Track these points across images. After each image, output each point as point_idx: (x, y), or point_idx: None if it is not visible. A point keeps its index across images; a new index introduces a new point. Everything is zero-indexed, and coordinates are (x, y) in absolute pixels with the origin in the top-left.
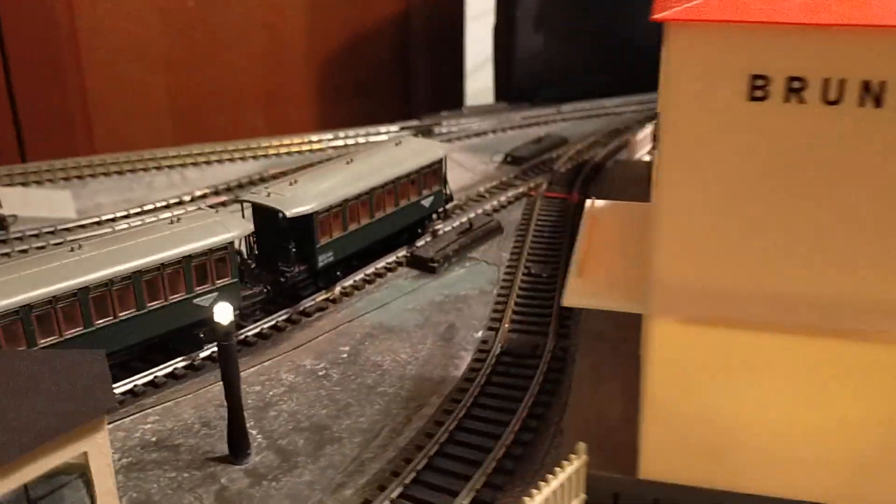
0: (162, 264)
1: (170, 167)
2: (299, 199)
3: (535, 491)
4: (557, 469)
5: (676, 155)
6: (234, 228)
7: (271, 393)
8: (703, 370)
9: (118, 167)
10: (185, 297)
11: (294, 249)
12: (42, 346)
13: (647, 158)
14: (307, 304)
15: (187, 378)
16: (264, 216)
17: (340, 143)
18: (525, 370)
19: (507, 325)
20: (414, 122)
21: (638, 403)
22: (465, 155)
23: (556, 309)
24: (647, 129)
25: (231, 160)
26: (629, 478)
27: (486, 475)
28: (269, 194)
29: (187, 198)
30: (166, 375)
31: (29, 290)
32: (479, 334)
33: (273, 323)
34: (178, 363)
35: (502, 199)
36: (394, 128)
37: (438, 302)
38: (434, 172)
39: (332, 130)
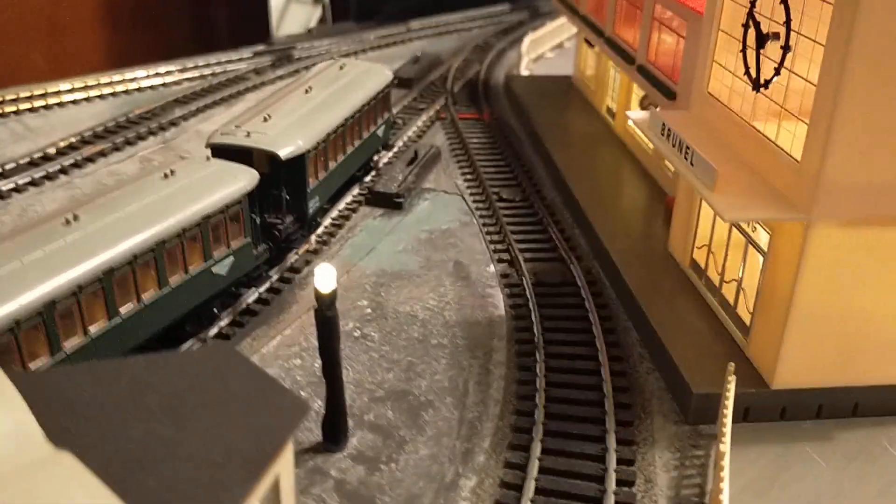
0: (183, 229)
1: (0, 115)
2: (287, 137)
3: (724, 418)
4: (726, 392)
5: (863, 56)
6: (241, 177)
7: (316, 364)
8: (854, 270)
9: None
10: (204, 266)
11: (287, 197)
12: (67, 351)
13: (531, 72)
14: (291, 258)
15: None
16: (244, 161)
17: (195, 73)
18: (569, 298)
19: (520, 256)
20: (262, 47)
21: (721, 318)
22: None
23: (555, 234)
24: (527, 44)
25: (74, 102)
26: (762, 390)
27: (614, 414)
28: (248, 134)
29: (52, 150)
30: None
31: (46, 280)
32: (492, 268)
33: (268, 285)
34: (190, 346)
35: (419, 124)
36: (247, 53)
37: (425, 240)
38: (385, 98)
39: (178, 61)
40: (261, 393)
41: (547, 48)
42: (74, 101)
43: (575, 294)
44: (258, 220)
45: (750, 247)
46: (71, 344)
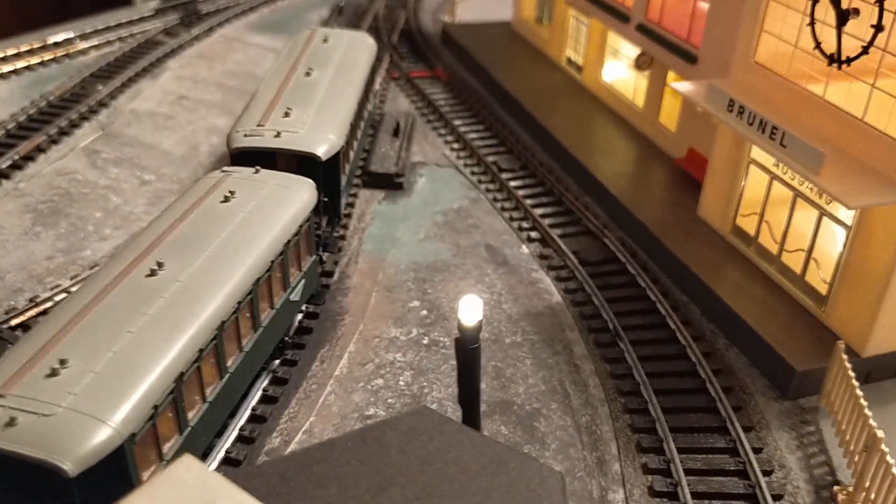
0: (271, 260)
1: None
2: (319, 135)
3: (860, 398)
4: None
5: None
6: (304, 191)
7: (401, 382)
8: None
9: None
10: (285, 295)
11: (325, 199)
12: (192, 423)
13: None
14: (329, 265)
15: (287, 398)
16: (266, 163)
17: (100, 40)
18: (620, 277)
19: (552, 233)
20: (153, 5)
21: (785, 287)
22: (267, 36)
23: (573, 204)
24: None
25: None
26: (853, 359)
27: (724, 400)
28: (276, 134)
29: None
30: (258, 404)
31: (168, 351)
32: (525, 249)
33: (316, 293)
34: (263, 383)
35: (376, 87)
36: (148, 11)
37: (444, 223)
38: (374, 70)
39: (77, 25)
40: (503, 465)
41: None
42: None
43: (623, 272)
44: (317, 233)
45: (815, 216)
46: (193, 414)
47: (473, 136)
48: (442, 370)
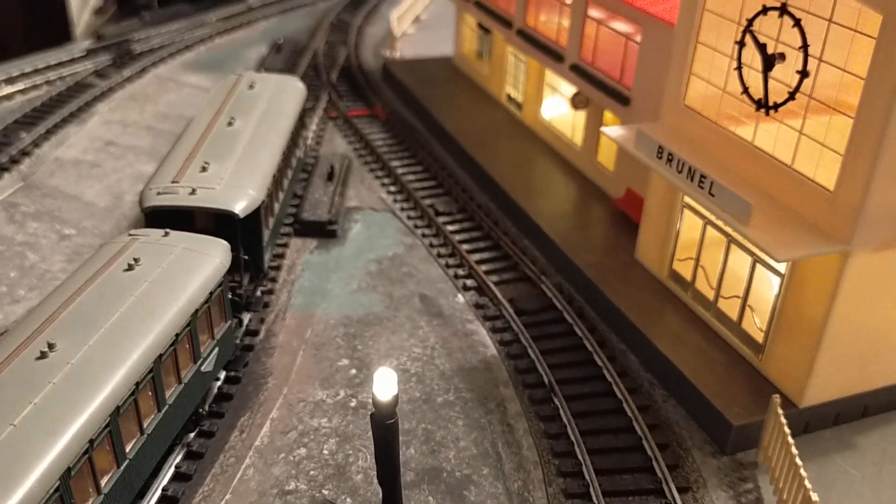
0: (176, 334)
1: None
2: (237, 189)
3: (796, 457)
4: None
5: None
6: (215, 254)
7: (325, 451)
8: (882, 287)
9: None
10: (194, 367)
11: (245, 257)
12: None
13: (401, 53)
14: (244, 320)
15: (202, 475)
16: (184, 222)
17: (26, 83)
18: (557, 326)
19: (488, 281)
20: (84, 45)
21: (721, 333)
22: (203, 76)
23: (510, 248)
24: (395, 22)
25: None
26: (790, 410)
27: (660, 458)
28: (192, 191)
29: None
30: (169, 483)
31: (53, 445)
32: (461, 298)
33: (233, 358)
34: (176, 459)
35: (312, 127)
36: (78, 52)
37: (377, 272)
38: (304, 115)
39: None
40: None
41: (407, 24)
42: None
43: (560, 320)
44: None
45: (749, 262)
46: None
47: (411, 177)
48: (369, 436)
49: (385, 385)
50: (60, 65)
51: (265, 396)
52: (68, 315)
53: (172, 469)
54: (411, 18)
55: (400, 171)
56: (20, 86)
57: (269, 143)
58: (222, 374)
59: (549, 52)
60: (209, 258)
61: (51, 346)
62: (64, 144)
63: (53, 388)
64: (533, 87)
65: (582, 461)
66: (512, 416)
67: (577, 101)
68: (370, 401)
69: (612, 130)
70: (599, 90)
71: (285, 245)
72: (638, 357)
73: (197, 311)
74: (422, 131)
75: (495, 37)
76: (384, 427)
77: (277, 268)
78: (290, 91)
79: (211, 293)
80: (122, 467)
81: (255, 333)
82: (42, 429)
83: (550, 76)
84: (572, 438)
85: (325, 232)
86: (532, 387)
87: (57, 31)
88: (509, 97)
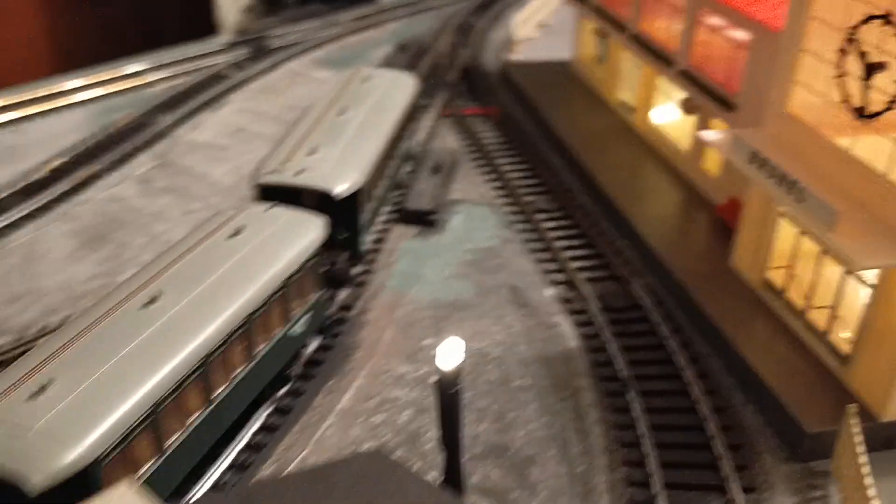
0: (269, 295)
1: None
2: (340, 172)
3: (863, 467)
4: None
5: None
6: (312, 227)
7: (401, 420)
8: None
9: None
10: (285, 329)
11: (343, 236)
12: (169, 449)
13: (523, 55)
14: (340, 296)
15: (286, 428)
16: (292, 200)
17: (163, 74)
18: (642, 324)
19: (578, 277)
20: (225, 39)
21: (809, 343)
22: (331, 72)
23: (604, 247)
24: (517, 25)
25: (46, 113)
26: (870, 424)
27: (729, 458)
28: (298, 172)
29: (40, 174)
30: (257, 432)
31: (150, 380)
32: (550, 292)
33: (325, 327)
34: (266, 412)
35: (426, 124)
36: (217, 45)
37: (471, 262)
38: (415, 108)
39: (140, 57)
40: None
41: (532, 28)
42: (47, 112)
43: (645, 320)
44: (325, 269)
45: (840, 273)
46: (171, 441)
47: (515, 175)
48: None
49: (450, 355)
50: (203, 56)
51: (352, 366)
52: (174, 272)
53: (261, 421)
54: (535, 23)
55: (505, 168)
56: (165, 74)
57: (375, 133)
58: (316, 342)
59: (659, 57)
60: (306, 231)
61: (156, 296)
62: (198, 128)
63: (154, 331)
64: (645, 91)
65: (647, 453)
66: (585, 406)
67: (688, 106)
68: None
69: (710, 134)
70: (706, 95)
71: (387, 231)
72: (722, 361)
73: (290, 277)
74: (532, 132)
75: (611, 41)
76: (447, 396)
77: (377, 251)
78: (401, 86)
79: (305, 263)
80: (209, 409)
81: (348, 308)
82: (139, 366)
83: (662, 81)
84: (641, 431)
85: (426, 221)
86: (608, 380)
87: (205, 24)
88: (622, 102)
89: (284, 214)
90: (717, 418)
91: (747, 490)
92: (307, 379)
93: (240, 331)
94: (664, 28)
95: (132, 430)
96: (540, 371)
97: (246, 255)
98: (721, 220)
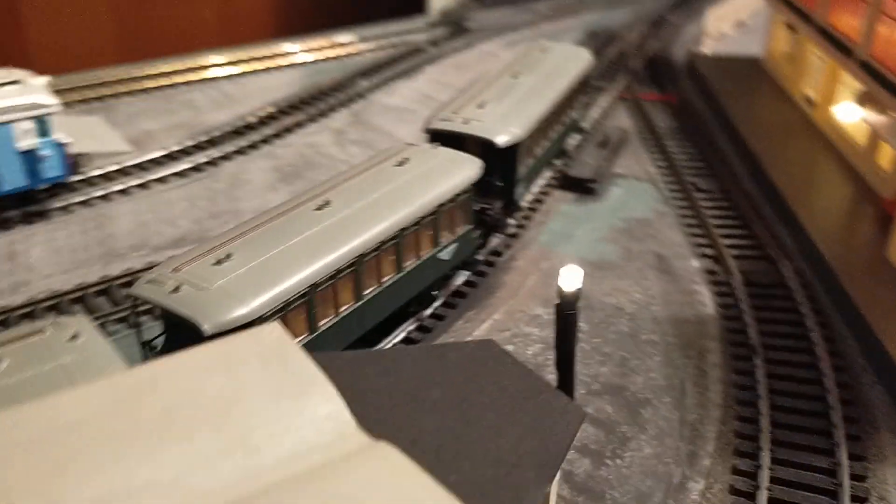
0: (421, 217)
1: (199, 82)
2: (502, 125)
3: None
4: None
5: None
6: (468, 167)
7: (529, 352)
8: None
9: (140, 84)
10: (433, 251)
11: (499, 184)
12: (321, 329)
13: (713, 50)
14: (494, 242)
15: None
16: (458, 147)
17: (370, 45)
18: (783, 301)
19: (727, 253)
20: (430, 19)
21: None
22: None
23: (760, 229)
24: (710, 20)
25: (266, 70)
26: None
27: (842, 427)
28: (465, 121)
29: (253, 118)
30: (400, 343)
31: (310, 264)
32: (695, 263)
33: (475, 269)
34: (409, 326)
35: (603, 104)
36: (421, 24)
37: (622, 229)
38: (585, 82)
39: (352, 29)
40: (535, 393)
41: (728, 25)
42: (266, 70)
43: (788, 297)
44: (478, 208)
45: None
46: (323, 323)
47: (682, 157)
48: None
49: (571, 279)
50: (406, 33)
51: (492, 302)
52: (346, 186)
53: (403, 335)
54: (732, 19)
55: (673, 150)
56: (371, 45)
57: (542, 96)
58: (463, 277)
59: (840, 48)
60: (463, 169)
61: (326, 203)
62: (392, 94)
63: (320, 228)
64: (828, 86)
65: (762, 412)
66: (708, 365)
67: (865, 100)
68: (582, 324)
69: (872, 117)
70: (884, 87)
71: (547, 194)
72: (859, 346)
73: (442, 205)
74: (708, 120)
75: (799, 35)
76: (565, 317)
77: (534, 210)
78: (575, 58)
79: (457, 196)
80: (358, 304)
81: (499, 254)
82: (304, 253)
83: (845, 75)
84: (760, 392)
85: (585, 189)
86: (737, 345)
87: (414, 4)
88: (806, 96)
89: (446, 153)
90: (841, 392)
91: (856, 458)
92: (450, 307)
93: (392, 242)
94: (848, 18)
95: (291, 302)
96: (670, 329)
97: (407, 180)
98: (886, 214)
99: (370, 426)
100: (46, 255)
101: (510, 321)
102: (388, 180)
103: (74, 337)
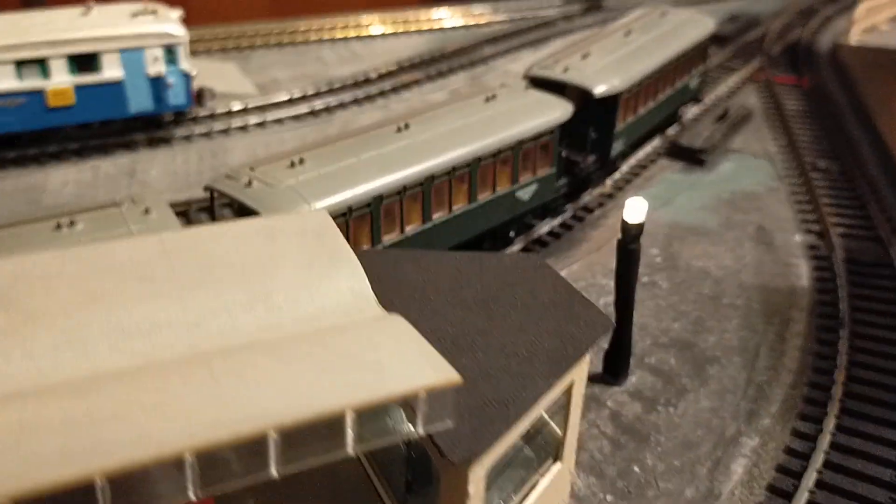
0: (498, 150)
1: (331, 40)
2: (602, 76)
3: None
4: None
5: None
6: (556, 109)
7: (601, 301)
8: None
9: (276, 39)
10: (510, 188)
11: (595, 136)
12: (385, 244)
13: (863, 43)
14: (585, 198)
15: None
16: (559, 94)
17: (504, 17)
18: (883, 281)
19: (833, 231)
20: None
21: None
22: None
23: (876, 212)
24: (861, 11)
25: (395, 34)
26: None
27: None
28: (565, 69)
29: (373, 74)
30: None
31: (377, 177)
32: (798, 238)
33: (561, 220)
34: None
35: (730, 83)
36: (555, 2)
37: (727, 200)
38: (702, 50)
39: (491, 4)
40: (567, 303)
41: (882, 19)
42: (395, 34)
43: (890, 277)
44: (562, 154)
45: None
46: (388, 238)
47: (805, 138)
48: (646, 304)
49: (635, 210)
50: (539, 7)
51: (573, 253)
52: (429, 114)
53: None
54: (887, 15)
55: (797, 131)
56: (502, 17)
57: (650, 55)
58: (547, 226)
59: None
60: (549, 110)
61: (406, 126)
62: (516, 62)
63: (393, 147)
64: None
65: (837, 380)
66: (790, 333)
67: None
68: (661, 283)
69: None
70: None
71: (653, 161)
72: None
73: (521, 143)
74: (842, 106)
75: None
76: (626, 251)
77: (636, 175)
78: (694, 24)
79: (540, 135)
80: (425, 227)
81: (590, 210)
82: (373, 166)
83: None
84: (838, 362)
85: (693, 159)
86: (825, 317)
87: None
88: None
89: (535, 94)
90: None
91: None
92: (527, 251)
93: (465, 169)
94: None
95: (354, 210)
96: (756, 296)
97: (490, 115)
98: None
99: (392, 309)
100: (162, 175)
101: (587, 272)
102: (471, 113)
103: (147, 211)
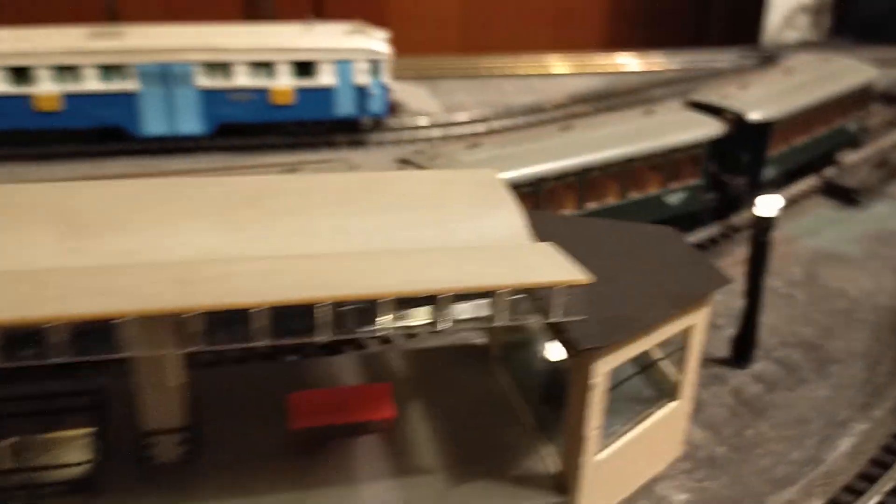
0: (650, 154)
1: (513, 76)
2: (759, 104)
3: None
4: None
5: None
6: (707, 126)
7: (737, 304)
8: None
9: (464, 71)
10: (659, 191)
11: (746, 159)
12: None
13: None
14: (733, 218)
15: None
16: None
17: (678, 65)
18: None
19: None
20: (748, 50)
21: None
22: None
23: None
24: None
25: (573, 74)
26: None
27: None
28: (724, 97)
29: (548, 104)
30: None
31: (537, 164)
32: None
33: (708, 234)
34: None
35: (895, 137)
36: (733, 54)
37: (875, 235)
38: (863, 96)
39: (666, 52)
40: (692, 262)
41: None
42: (574, 74)
43: None
44: (713, 170)
45: None
46: None
47: None
48: (780, 311)
49: (768, 205)
50: (713, 60)
51: (717, 262)
52: (592, 121)
53: None
54: None
55: None
56: (676, 66)
57: (807, 92)
58: (702, 234)
59: None
60: (700, 126)
61: (568, 128)
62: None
63: (553, 142)
64: None
65: None
66: None
67: None
68: (793, 293)
69: None
70: None
71: (807, 197)
72: None
73: (673, 151)
74: None
75: None
76: (759, 243)
77: (788, 207)
78: (855, 70)
79: (690, 147)
80: (579, 214)
81: (737, 230)
82: (534, 155)
83: None
84: None
85: (847, 198)
86: None
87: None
88: None
89: (690, 113)
90: None
91: None
92: None
93: (616, 168)
94: None
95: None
96: (889, 316)
97: (644, 125)
98: None
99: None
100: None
101: None
102: (628, 122)
103: None
